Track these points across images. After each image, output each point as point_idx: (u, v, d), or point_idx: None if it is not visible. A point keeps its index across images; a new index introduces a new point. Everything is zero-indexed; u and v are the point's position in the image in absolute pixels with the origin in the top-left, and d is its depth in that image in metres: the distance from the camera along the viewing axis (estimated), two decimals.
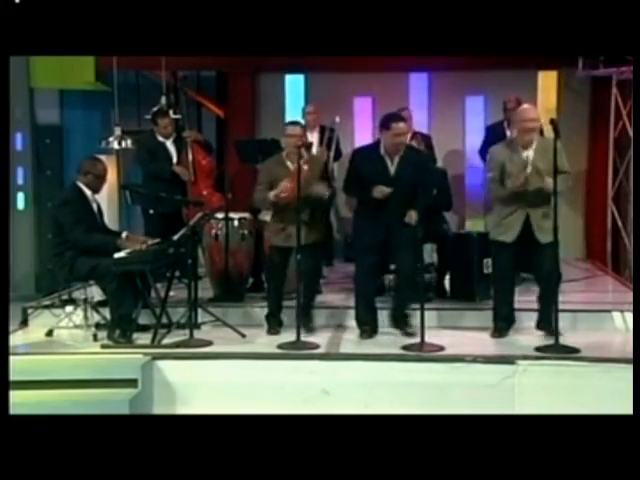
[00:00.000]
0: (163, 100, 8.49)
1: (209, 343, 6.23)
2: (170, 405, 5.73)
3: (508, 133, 8.29)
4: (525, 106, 6.43)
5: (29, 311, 7.04)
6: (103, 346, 6.20)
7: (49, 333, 6.59)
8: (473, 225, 9.44)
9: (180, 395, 5.75)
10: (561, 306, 6.12)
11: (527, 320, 6.56)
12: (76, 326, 6.62)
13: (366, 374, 5.76)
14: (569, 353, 5.83)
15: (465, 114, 9.95)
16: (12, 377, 4.86)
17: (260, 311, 7.01)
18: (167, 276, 6.70)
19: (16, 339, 6.35)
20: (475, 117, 9.85)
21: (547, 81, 10.00)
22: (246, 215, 7.40)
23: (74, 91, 9.32)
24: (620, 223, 9.50)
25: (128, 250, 6.29)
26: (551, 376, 5.63)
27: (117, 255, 6.24)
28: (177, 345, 6.14)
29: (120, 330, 6.24)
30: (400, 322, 6.43)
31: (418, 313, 6.05)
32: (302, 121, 7.73)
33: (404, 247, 6.23)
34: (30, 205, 8.55)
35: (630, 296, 7.04)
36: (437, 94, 9.89)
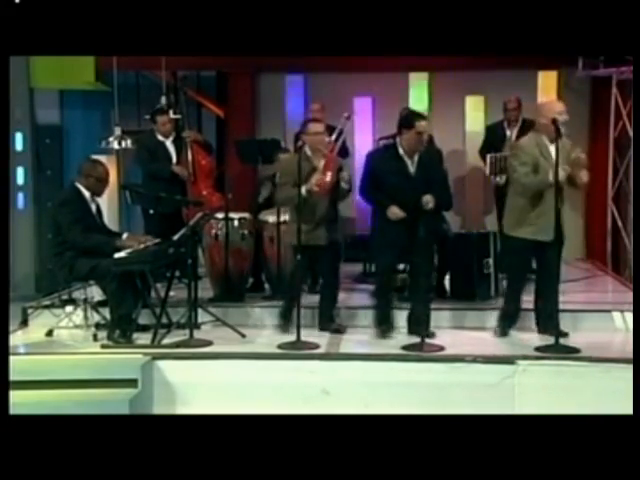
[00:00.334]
0: (163, 100, 8.49)
1: (209, 343, 6.23)
2: (170, 405, 5.73)
3: (508, 133, 8.31)
4: (552, 100, 6.42)
5: (29, 311, 7.04)
6: (103, 346, 6.20)
7: (49, 333, 6.59)
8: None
9: (180, 395, 5.76)
10: (561, 306, 6.13)
11: (527, 320, 6.56)
12: (76, 326, 6.62)
13: (366, 374, 5.76)
14: (569, 353, 5.83)
15: (465, 114, 9.95)
16: (12, 377, 4.85)
17: (260, 311, 7.03)
18: (167, 276, 6.70)
19: (16, 339, 6.35)
20: (475, 117, 9.85)
21: (547, 81, 10.00)
22: (246, 215, 7.40)
23: (74, 91, 9.33)
24: (620, 223, 9.50)
25: (128, 250, 6.30)
26: (551, 376, 5.63)
27: (117, 255, 6.24)
28: (177, 345, 6.14)
29: (120, 330, 6.24)
30: (421, 326, 6.27)
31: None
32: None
33: (423, 247, 6.18)
34: (30, 205, 8.55)
35: (630, 296, 7.04)
36: (437, 94, 9.89)
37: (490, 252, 7.27)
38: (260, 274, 7.66)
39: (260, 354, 5.97)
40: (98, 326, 6.52)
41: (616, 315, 6.69)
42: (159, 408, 5.72)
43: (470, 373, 5.69)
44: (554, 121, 6.00)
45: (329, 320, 6.60)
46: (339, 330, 6.55)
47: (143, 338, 6.27)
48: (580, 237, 9.98)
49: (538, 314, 6.42)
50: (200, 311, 6.59)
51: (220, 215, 7.26)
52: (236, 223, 7.32)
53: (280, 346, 6.11)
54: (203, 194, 7.82)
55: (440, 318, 6.71)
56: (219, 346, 6.18)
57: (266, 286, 7.62)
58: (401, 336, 6.38)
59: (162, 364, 5.81)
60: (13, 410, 4.64)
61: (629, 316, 6.48)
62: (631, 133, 8.92)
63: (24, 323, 6.98)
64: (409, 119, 6.28)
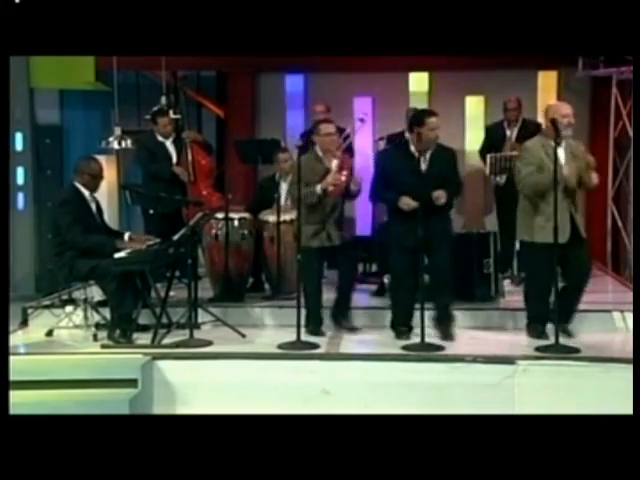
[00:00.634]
0: (163, 100, 8.49)
1: (209, 343, 6.23)
2: (170, 405, 5.73)
3: (508, 133, 8.31)
4: (559, 102, 6.43)
5: (29, 311, 7.03)
6: (103, 346, 6.20)
7: (49, 333, 6.59)
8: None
9: (180, 395, 5.75)
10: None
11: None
12: (76, 326, 6.62)
13: (366, 374, 5.76)
14: (569, 353, 5.82)
15: (465, 114, 9.95)
16: (12, 377, 4.85)
17: (260, 311, 7.03)
18: (167, 276, 6.70)
19: (16, 339, 6.35)
20: (475, 117, 9.85)
21: (547, 81, 10.00)
22: (246, 215, 7.40)
23: (74, 91, 9.33)
24: (620, 223, 9.50)
25: (128, 250, 6.30)
26: (551, 376, 5.63)
27: (117, 255, 6.25)
28: (177, 345, 6.14)
29: (120, 330, 6.24)
30: (443, 325, 6.30)
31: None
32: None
33: (439, 244, 6.17)
34: (30, 205, 8.55)
35: (630, 296, 7.04)
36: (437, 94, 9.89)
37: (490, 252, 7.26)
38: (260, 274, 7.66)
39: (260, 354, 5.96)
40: (98, 326, 6.52)
41: (616, 315, 6.68)
42: (159, 408, 5.72)
43: (470, 373, 5.69)
44: (553, 121, 5.99)
45: (344, 318, 6.58)
46: (353, 329, 6.54)
47: (143, 338, 6.27)
48: None
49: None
50: (200, 311, 6.59)
51: (220, 215, 7.25)
52: (236, 223, 7.31)
53: (280, 346, 6.10)
54: (203, 194, 7.82)
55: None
56: (219, 346, 6.18)
57: (266, 286, 7.62)
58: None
59: (162, 364, 5.81)
60: (13, 410, 4.64)
61: (629, 316, 6.47)
62: (631, 133, 8.92)
63: (24, 323, 6.97)
64: (420, 116, 6.27)
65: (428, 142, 6.19)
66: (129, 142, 8.28)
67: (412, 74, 9.91)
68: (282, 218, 7.21)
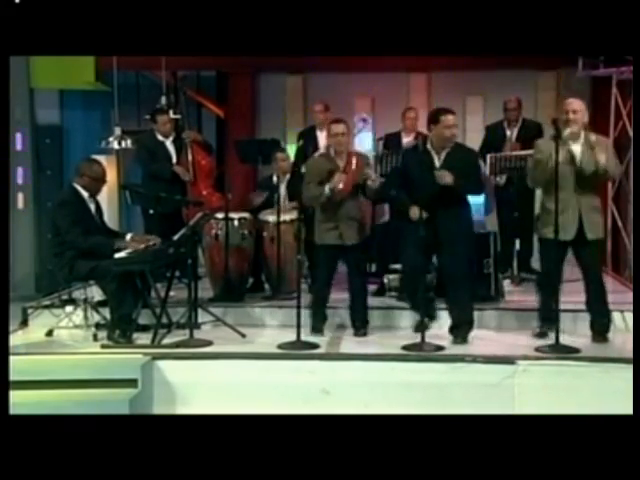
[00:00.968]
0: (163, 100, 8.50)
1: (209, 343, 6.23)
2: (170, 405, 5.73)
3: (508, 133, 8.30)
4: (569, 99, 6.39)
5: (29, 311, 7.03)
6: (103, 346, 6.20)
7: (49, 333, 6.60)
8: None
9: (180, 395, 5.76)
10: (561, 306, 6.13)
11: (527, 320, 6.56)
12: (76, 326, 6.62)
13: (366, 374, 5.76)
14: (569, 353, 5.83)
15: (465, 114, 9.95)
16: (12, 377, 4.85)
17: (260, 311, 7.03)
18: (167, 276, 6.71)
19: (16, 339, 6.35)
20: (475, 117, 9.85)
21: (547, 81, 10.00)
22: (246, 215, 7.40)
23: (74, 91, 9.33)
24: (620, 223, 9.50)
25: (128, 250, 6.30)
26: (551, 376, 5.63)
27: (117, 255, 6.24)
28: (177, 345, 6.14)
29: (120, 330, 6.24)
30: (461, 330, 6.26)
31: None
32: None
33: (450, 245, 6.11)
34: (30, 205, 8.55)
35: (630, 296, 7.04)
36: (437, 94, 9.90)
37: (490, 252, 7.26)
38: (260, 274, 7.65)
39: (260, 354, 5.96)
40: (98, 326, 6.52)
41: (616, 315, 6.67)
42: (159, 408, 5.72)
43: (470, 373, 5.69)
44: (554, 121, 6.00)
45: (355, 322, 6.57)
46: (364, 334, 6.55)
47: (143, 338, 6.27)
48: None
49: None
50: (200, 311, 6.59)
51: (220, 215, 7.25)
52: (236, 223, 7.31)
53: (280, 346, 6.11)
54: (203, 194, 7.82)
55: (440, 318, 6.71)
56: (219, 346, 6.18)
57: (266, 286, 7.62)
58: (401, 337, 6.38)
59: (162, 364, 5.81)
60: (13, 410, 4.63)
61: (629, 316, 6.47)
62: (631, 133, 8.91)
63: (24, 323, 6.97)
64: (436, 114, 6.25)
65: (443, 140, 6.17)
66: (129, 142, 8.28)
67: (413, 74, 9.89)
68: (282, 218, 7.21)
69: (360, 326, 6.55)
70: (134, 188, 8.12)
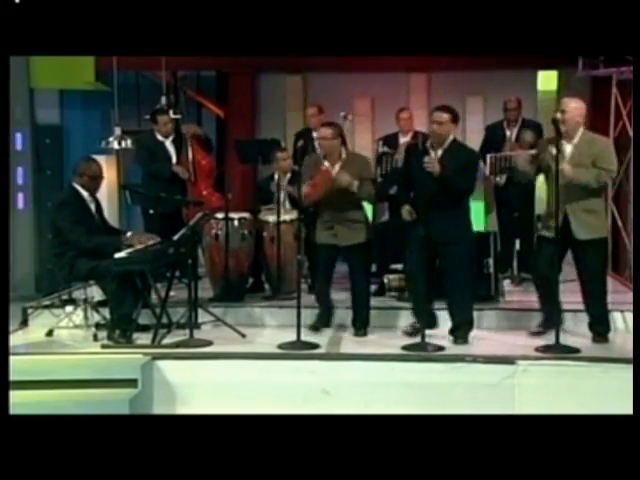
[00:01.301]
0: (163, 100, 8.49)
1: (209, 343, 6.23)
2: (170, 405, 5.73)
3: (508, 133, 8.31)
4: (565, 99, 6.39)
5: (29, 311, 7.03)
6: (103, 346, 6.20)
7: (49, 333, 6.60)
8: None
9: (180, 395, 5.76)
10: (561, 306, 6.13)
11: (527, 320, 6.56)
12: (76, 326, 6.62)
13: (366, 374, 5.76)
14: (569, 353, 5.83)
15: (465, 114, 9.94)
16: (12, 377, 4.85)
17: (260, 311, 7.03)
18: (167, 276, 6.71)
19: (16, 339, 6.34)
20: (475, 117, 9.85)
21: (547, 81, 10.00)
22: (246, 215, 7.40)
23: (74, 91, 9.33)
24: (620, 223, 9.49)
25: (128, 250, 6.30)
26: (551, 376, 5.63)
27: (117, 255, 6.24)
28: (177, 345, 6.14)
29: (120, 330, 6.24)
30: (461, 330, 6.25)
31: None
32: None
33: (448, 244, 6.10)
34: (30, 205, 8.55)
35: (630, 296, 7.04)
36: (437, 94, 9.89)
37: (490, 252, 7.26)
38: (260, 274, 7.65)
39: (260, 354, 5.96)
40: (98, 326, 6.52)
41: (616, 315, 6.68)
42: (159, 408, 5.72)
43: (470, 373, 5.69)
44: (554, 121, 6.01)
45: (359, 325, 6.56)
46: (364, 334, 6.54)
47: (143, 338, 6.27)
48: None
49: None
50: (200, 311, 6.59)
51: (220, 215, 7.25)
52: (236, 223, 7.31)
53: (280, 346, 6.11)
54: (203, 194, 7.81)
55: (440, 318, 6.70)
56: (219, 346, 6.18)
57: (266, 286, 7.62)
58: (402, 336, 6.38)
59: (162, 364, 5.81)
60: (13, 410, 4.64)
61: (629, 316, 6.48)
62: (631, 133, 8.91)
63: (24, 323, 6.98)
64: (431, 112, 6.31)
65: (434, 137, 6.19)
66: (129, 142, 8.27)
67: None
68: (282, 218, 7.22)
69: (360, 326, 6.55)
70: (134, 188, 8.12)
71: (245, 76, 10.16)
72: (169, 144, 7.99)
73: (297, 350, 6.02)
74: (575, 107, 6.17)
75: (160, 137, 7.98)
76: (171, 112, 7.99)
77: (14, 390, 4.88)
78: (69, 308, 6.75)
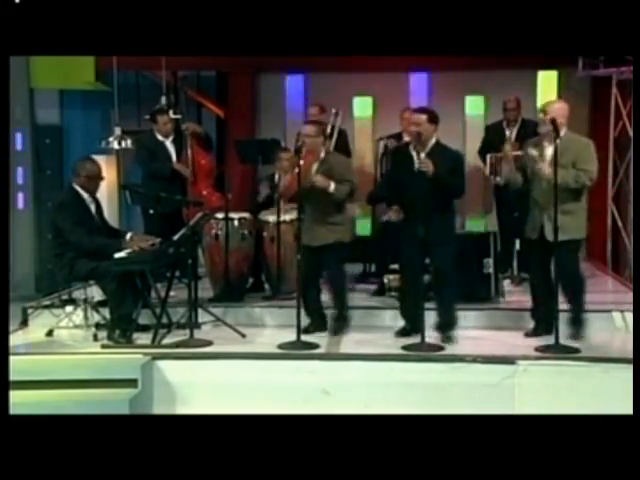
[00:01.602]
0: (163, 100, 8.49)
1: (209, 343, 6.23)
2: (170, 405, 5.73)
3: (507, 133, 8.31)
4: (546, 100, 6.42)
5: (29, 311, 7.04)
6: (103, 346, 6.20)
7: (49, 333, 6.60)
8: (472, 225, 9.48)
9: (180, 395, 5.76)
10: (562, 306, 6.13)
11: (527, 320, 6.56)
12: (76, 326, 6.62)
13: (366, 374, 5.76)
14: (569, 353, 5.83)
15: (465, 114, 9.95)
16: (12, 377, 4.85)
17: (260, 311, 7.03)
18: (167, 276, 6.71)
19: (16, 339, 6.35)
20: (475, 117, 9.85)
21: (547, 81, 9.99)
22: (246, 215, 7.40)
23: (74, 91, 9.33)
24: (620, 223, 9.49)
25: (128, 250, 6.30)
26: (551, 376, 5.63)
27: (117, 255, 6.24)
28: (177, 345, 6.14)
29: (120, 330, 6.24)
30: (445, 328, 6.25)
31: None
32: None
33: (437, 244, 6.09)
34: (30, 205, 8.54)
35: (630, 296, 7.04)
36: (437, 94, 9.89)
37: (490, 252, 7.27)
38: (260, 274, 7.66)
39: (260, 354, 5.97)
40: (98, 326, 6.52)
41: (616, 315, 6.69)
42: (159, 408, 5.72)
43: (470, 373, 5.69)
44: (552, 121, 6.02)
45: (336, 322, 6.53)
46: (338, 332, 6.51)
47: (143, 338, 6.27)
48: None
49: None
50: (200, 311, 6.59)
51: (220, 215, 7.26)
52: (236, 223, 7.32)
53: (280, 346, 6.11)
54: (203, 194, 7.82)
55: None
56: (219, 346, 6.18)
57: (266, 286, 7.62)
58: (401, 336, 6.38)
59: (162, 364, 5.81)
60: (13, 410, 4.64)
61: (629, 316, 6.47)
62: (631, 133, 8.91)
63: (24, 323, 6.98)
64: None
65: (413, 138, 6.20)
66: (129, 142, 8.26)
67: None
68: (282, 218, 7.22)
69: (339, 328, 6.49)
70: (134, 188, 8.12)
71: (245, 76, 10.15)
72: (169, 144, 7.99)
73: (297, 350, 6.02)
74: (557, 107, 6.23)
75: (160, 137, 7.98)
76: (171, 112, 7.99)
77: (14, 390, 4.88)
78: (69, 308, 6.75)
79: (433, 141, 6.21)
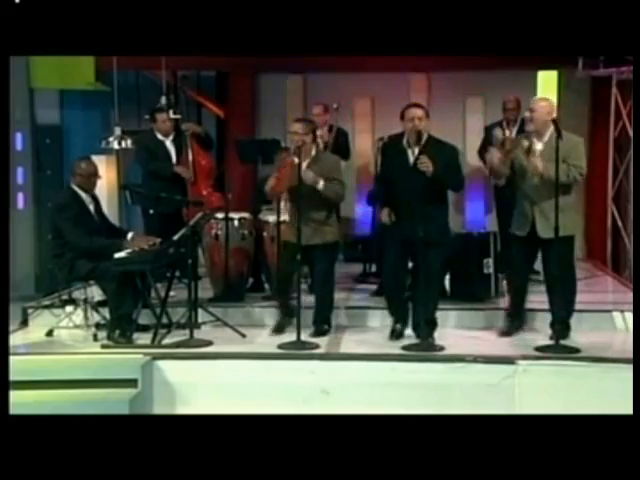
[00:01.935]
0: (163, 100, 8.48)
1: (209, 343, 6.23)
2: (170, 405, 5.73)
3: (507, 133, 8.30)
4: (534, 97, 6.44)
5: (29, 311, 7.04)
6: (103, 346, 6.20)
7: (49, 333, 6.60)
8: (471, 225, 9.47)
9: (180, 395, 5.76)
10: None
11: (527, 320, 6.56)
12: (76, 326, 6.62)
13: (366, 374, 5.76)
14: (569, 353, 5.83)
15: (465, 114, 9.95)
16: (12, 377, 4.86)
17: (260, 311, 7.03)
18: (167, 276, 6.71)
19: (16, 339, 6.35)
20: (475, 117, 9.84)
21: (547, 81, 9.99)
22: (246, 215, 7.40)
23: (74, 91, 9.31)
24: (620, 223, 9.49)
25: (128, 250, 6.30)
26: (551, 376, 5.64)
27: (117, 255, 6.25)
28: (177, 345, 6.14)
29: (120, 330, 6.24)
30: (423, 329, 6.13)
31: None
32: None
33: (427, 243, 6.02)
34: (30, 205, 8.54)
35: (630, 296, 7.04)
36: (437, 94, 9.89)
37: (490, 252, 7.26)
38: (260, 274, 7.66)
39: (260, 354, 5.97)
40: (98, 326, 6.53)
41: (616, 315, 6.69)
42: (159, 408, 5.72)
43: (470, 373, 5.69)
44: (553, 121, 6.04)
45: (319, 323, 6.51)
46: (321, 333, 6.47)
47: (143, 338, 6.28)
48: (580, 237, 9.96)
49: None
50: (200, 311, 6.59)
51: (220, 215, 7.26)
52: (236, 223, 7.31)
53: (280, 346, 6.11)
54: (203, 194, 7.81)
55: (440, 318, 6.70)
56: (219, 346, 6.18)
57: (266, 286, 7.62)
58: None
59: (162, 364, 5.82)
60: (13, 410, 4.64)
61: (629, 316, 6.48)
62: (631, 133, 8.91)
63: (24, 323, 6.98)
64: (402, 111, 6.26)
65: (409, 134, 6.16)
66: (129, 142, 8.26)
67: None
68: (282, 218, 7.21)
69: (320, 329, 6.47)
70: (134, 188, 8.12)
71: (245, 76, 10.15)
72: (169, 144, 7.99)
73: (297, 350, 6.02)
74: (543, 105, 6.26)
75: (160, 136, 7.98)
76: (171, 112, 7.98)
77: (14, 390, 4.88)
78: (69, 308, 6.75)
79: (426, 135, 6.18)
